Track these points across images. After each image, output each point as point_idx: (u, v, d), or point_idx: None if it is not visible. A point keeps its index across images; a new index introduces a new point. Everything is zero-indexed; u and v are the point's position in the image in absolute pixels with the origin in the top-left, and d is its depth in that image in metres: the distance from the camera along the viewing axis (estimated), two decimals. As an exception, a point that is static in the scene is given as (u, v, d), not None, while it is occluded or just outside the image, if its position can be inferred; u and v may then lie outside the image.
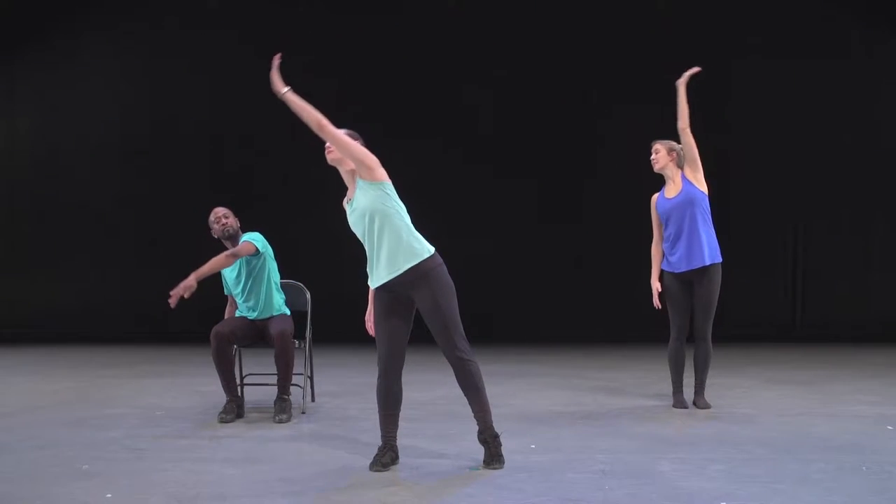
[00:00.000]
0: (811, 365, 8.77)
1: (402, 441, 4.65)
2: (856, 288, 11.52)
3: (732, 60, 11.40)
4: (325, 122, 4.35)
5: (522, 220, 11.61)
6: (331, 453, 4.91)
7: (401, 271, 4.40)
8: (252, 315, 6.06)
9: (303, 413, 6.09)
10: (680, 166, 6.08)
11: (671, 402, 6.26)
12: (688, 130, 6.00)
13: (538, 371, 8.38)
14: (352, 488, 4.18)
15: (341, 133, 4.44)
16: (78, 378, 8.06)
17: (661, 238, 6.18)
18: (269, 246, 6.08)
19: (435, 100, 11.43)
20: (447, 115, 11.46)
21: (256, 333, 6.05)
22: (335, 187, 4.64)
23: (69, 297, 11.83)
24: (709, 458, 4.70)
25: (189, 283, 5.52)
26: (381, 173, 4.44)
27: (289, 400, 5.91)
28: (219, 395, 6.08)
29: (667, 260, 6.13)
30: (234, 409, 5.88)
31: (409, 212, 4.53)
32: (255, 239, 5.97)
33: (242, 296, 6.06)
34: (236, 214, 6.13)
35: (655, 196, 6.22)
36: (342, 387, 7.33)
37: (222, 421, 5.77)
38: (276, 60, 4.40)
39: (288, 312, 6.15)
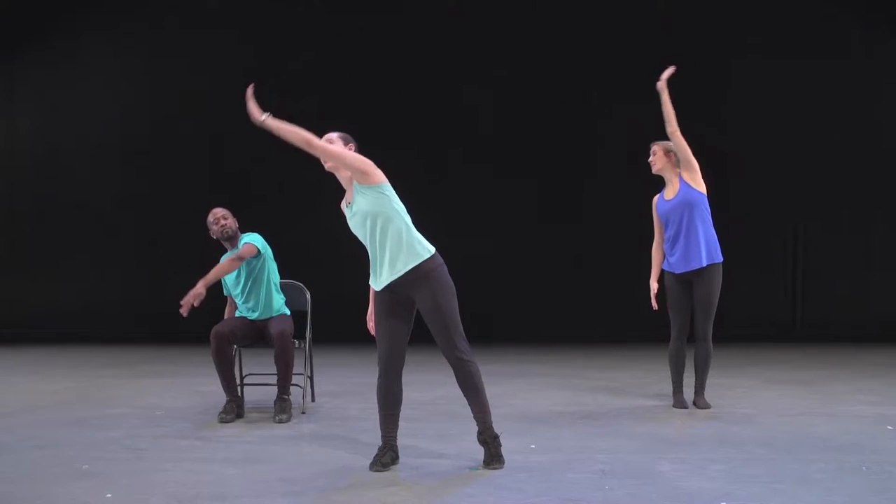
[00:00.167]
0: (811, 365, 8.78)
1: (402, 441, 4.65)
2: (855, 288, 11.53)
3: (732, 60, 11.42)
4: (312, 139, 4.32)
5: (522, 220, 11.61)
6: (331, 453, 4.91)
7: (402, 272, 4.40)
8: (252, 316, 6.06)
9: (303, 413, 6.09)
10: (678, 167, 6.08)
11: (671, 402, 6.26)
12: (677, 133, 5.94)
13: (538, 371, 8.38)
14: (352, 488, 4.18)
15: (331, 145, 4.43)
16: (78, 378, 8.06)
17: (662, 239, 6.18)
18: (268, 246, 6.08)
19: (435, 100, 11.43)
20: (447, 115, 11.46)
21: (256, 333, 6.05)
22: (334, 187, 4.64)
23: (69, 297, 11.83)
24: (709, 458, 4.70)
25: (198, 291, 5.54)
26: (378, 176, 4.42)
27: (289, 400, 5.91)
28: (219, 395, 6.08)
29: (667, 260, 6.14)
30: (234, 409, 5.88)
31: (409, 212, 4.53)
32: (254, 240, 5.97)
33: (242, 296, 6.06)
34: (235, 215, 6.13)
35: (656, 197, 6.23)
36: (342, 387, 7.33)
37: (222, 421, 5.77)
38: (250, 90, 4.36)
39: (288, 312, 6.15)
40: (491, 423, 4.54)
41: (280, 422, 5.76)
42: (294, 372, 5.93)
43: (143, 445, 5.11)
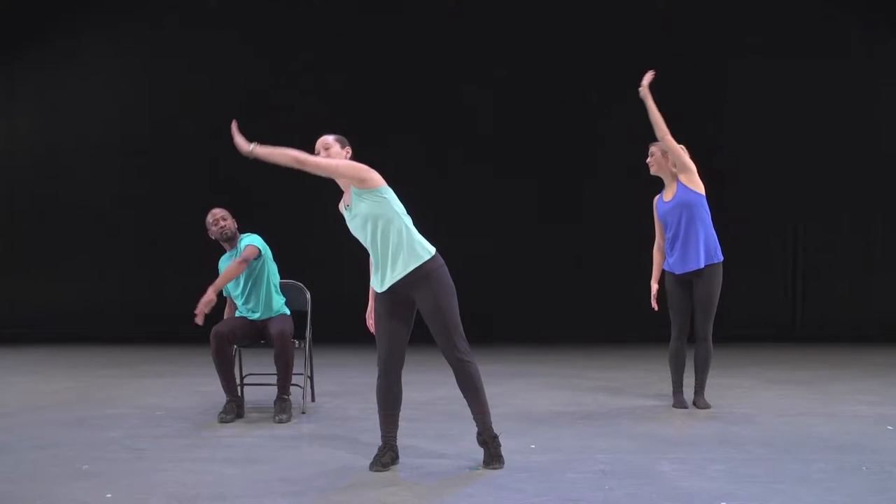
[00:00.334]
0: (811, 365, 8.77)
1: (402, 441, 4.65)
2: (855, 288, 11.53)
3: (731, 60, 11.42)
4: (301, 156, 4.29)
5: (522, 220, 11.61)
6: (331, 453, 4.91)
7: (403, 274, 4.40)
8: (252, 316, 6.06)
9: (303, 413, 6.09)
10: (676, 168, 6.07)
11: (671, 402, 6.26)
12: (668, 138, 5.90)
13: (538, 371, 8.38)
14: (352, 488, 4.18)
15: (323, 158, 4.40)
16: (78, 378, 8.06)
17: (663, 240, 6.18)
18: (267, 247, 6.09)
19: (435, 100, 11.43)
20: (447, 115, 11.46)
21: (256, 333, 6.05)
22: (333, 187, 4.63)
23: (69, 297, 11.83)
24: (709, 458, 4.70)
25: (209, 298, 5.53)
26: (375, 180, 4.40)
27: (289, 400, 5.91)
28: (219, 395, 6.08)
29: (667, 261, 6.14)
30: (234, 409, 5.88)
31: (409, 212, 4.53)
32: (254, 241, 5.98)
33: (242, 297, 6.06)
34: (235, 215, 6.13)
35: (656, 198, 6.23)
36: (342, 387, 7.33)
37: (222, 421, 5.77)
38: (234, 126, 4.35)
39: (288, 312, 6.15)
40: (490, 423, 4.54)
41: (280, 422, 5.76)
42: (294, 372, 5.93)
43: (143, 445, 5.11)
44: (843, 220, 11.56)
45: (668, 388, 6.39)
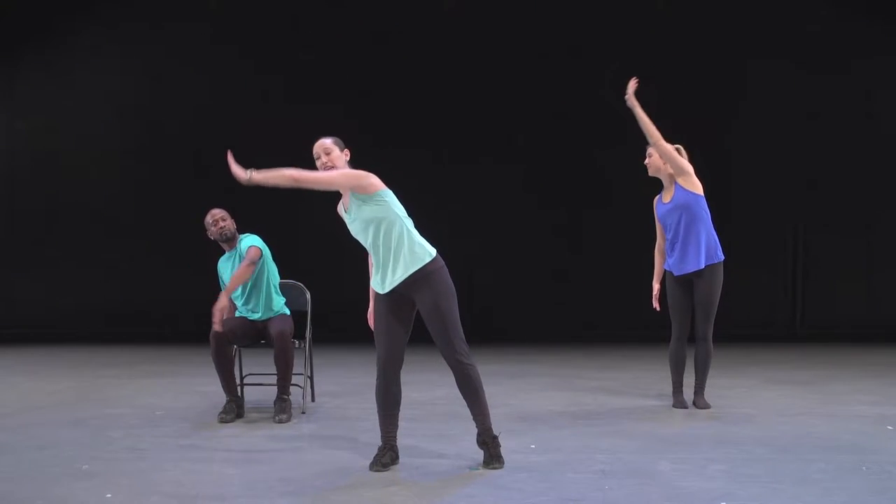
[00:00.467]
0: (811, 365, 8.77)
1: (402, 441, 4.65)
2: (856, 288, 11.52)
3: (732, 60, 11.41)
4: (297, 175, 4.29)
5: (522, 220, 11.60)
6: (331, 453, 4.91)
7: (405, 277, 4.40)
8: (253, 317, 6.06)
9: (303, 413, 6.09)
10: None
11: (671, 402, 6.26)
12: (661, 143, 5.89)
13: (538, 371, 8.38)
14: (352, 488, 4.18)
15: (319, 173, 4.38)
16: (78, 378, 8.06)
17: (664, 240, 6.17)
18: (267, 248, 6.08)
19: (435, 100, 11.42)
20: (447, 115, 11.45)
21: (256, 334, 6.05)
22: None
23: (69, 297, 11.83)
24: (709, 458, 4.69)
25: (222, 304, 5.55)
26: (374, 185, 4.38)
27: (289, 400, 5.91)
28: (219, 395, 6.08)
29: (667, 261, 6.14)
30: (234, 409, 5.88)
31: (409, 212, 4.52)
32: (255, 242, 5.99)
33: (242, 298, 6.06)
34: (234, 215, 6.13)
35: (656, 199, 6.23)
36: (342, 387, 7.33)
37: (222, 421, 5.77)
38: (229, 156, 4.35)
39: (288, 312, 6.15)
40: (490, 424, 4.54)
41: (280, 422, 5.76)
42: (294, 372, 5.93)
43: (143, 445, 5.11)
44: (844, 220, 11.55)
45: (668, 388, 6.39)
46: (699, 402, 6.17)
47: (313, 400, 6.46)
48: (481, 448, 4.54)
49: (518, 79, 11.56)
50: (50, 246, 11.95)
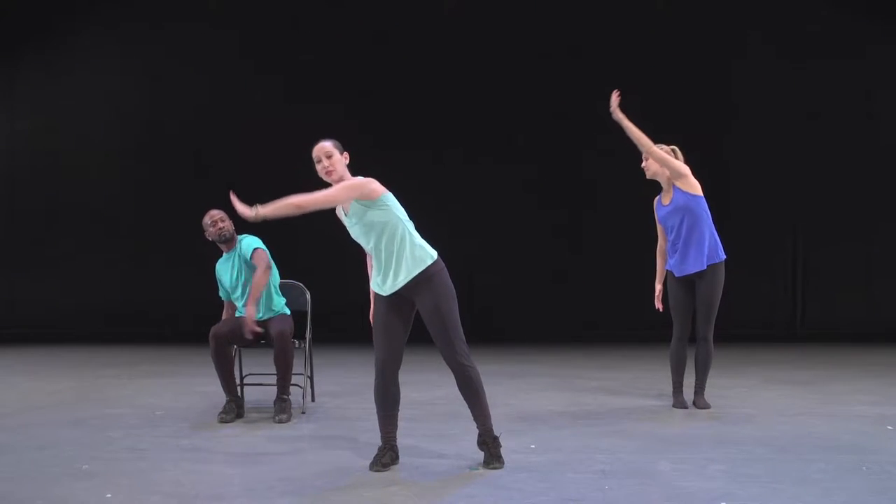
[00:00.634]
0: (811, 365, 8.78)
1: (401, 441, 4.65)
2: (856, 288, 11.52)
3: (732, 60, 11.42)
4: (301, 201, 4.24)
5: (523, 220, 11.60)
6: (331, 453, 4.91)
7: (406, 281, 4.40)
8: (254, 317, 6.05)
9: (303, 413, 6.09)
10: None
11: (671, 402, 6.26)
12: (653, 149, 5.87)
13: (538, 371, 8.38)
14: (352, 488, 4.18)
15: (321, 194, 4.31)
16: (78, 378, 8.06)
17: (665, 241, 6.17)
18: (266, 249, 6.08)
19: (435, 100, 11.42)
20: (447, 116, 11.46)
21: (256, 334, 6.04)
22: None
23: (69, 297, 11.83)
24: (709, 458, 4.70)
25: (251, 314, 5.68)
26: (376, 190, 4.37)
27: (288, 400, 5.91)
28: (219, 395, 6.08)
29: (669, 261, 6.14)
30: (234, 409, 5.89)
31: (409, 212, 4.52)
32: (256, 243, 5.99)
33: (243, 300, 6.04)
34: (233, 216, 6.11)
35: (656, 200, 6.22)
36: (342, 387, 7.33)
37: (222, 421, 5.77)
38: (233, 196, 4.34)
39: (288, 312, 6.15)
40: (491, 426, 4.54)
41: (280, 422, 5.76)
42: (294, 372, 5.93)
43: (143, 445, 5.11)
44: (844, 219, 11.54)
45: (668, 388, 6.39)
46: (699, 402, 6.17)
47: (313, 400, 6.46)
48: (481, 449, 4.54)
49: (518, 79, 11.56)
50: (50, 246, 11.96)
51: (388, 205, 4.39)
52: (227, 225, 6.05)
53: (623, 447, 4.97)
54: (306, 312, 6.31)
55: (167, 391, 7.20)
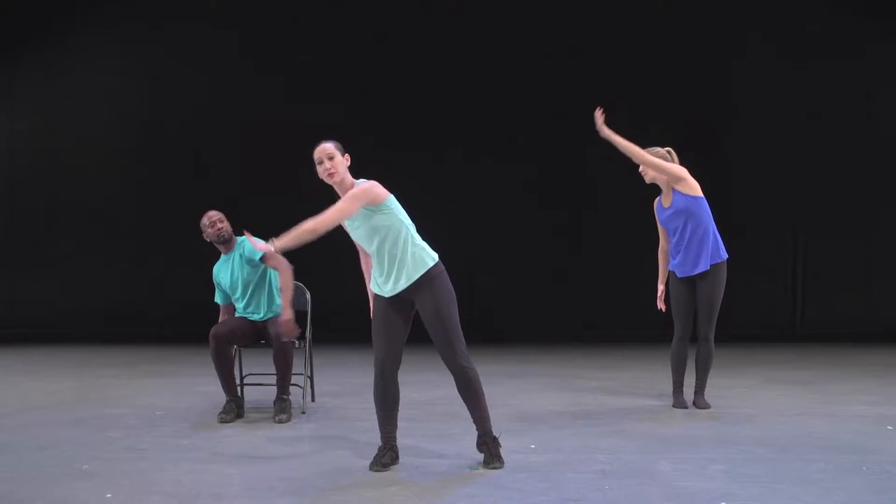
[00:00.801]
0: (811, 365, 8.77)
1: (401, 441, 4.65)
2: (856, 288, 11.51)
3: (732, 60, 11.42)
4: (314, 225, 4.21)
5: (523, 221, 11.60)
6: (331, 453, 4.91)
7: (408, 284, 4.41)
8: (253, 317, 6.06)
9: (303, 413, 6.10)
10: None
11: (671, 402, 6.26)
12: (646, 158, 5.86)
13: (538, 371, 8.38)
14: (352, 488, 4.18)
15: (331, 214, 4.26)
16: (78, 378, 8.06)
17: (667, 242, 6.17)
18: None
19: (435, 100, 11.42)
20: (447, 116, 11.45)
21: (256, 334, 6.05)
22: (331, 191, 4.61)
23: (69, 297, 11.82)
24: (709, 458, 4.70)
25: (288, 316, 5.58)
26: (380, 195, 4.36)
27: (288, 400, 5.91)
28: (219, 395, 6.08)
29: (671, 262, 6.14)
30: (234, 409, 5.89)
31: (409, 213, 4.51)
32: (257, 244, 5.98)
33: (243, 301, 6.05)
34: (233, 216, 6.12)
35: (656, 201, 6.22)
36: (342, 387, 7.33)
37: (222, 421, 5.77)
38: (248, 235, 4.35)
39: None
40: (490, 427, 4.54)
41: (280, 422, 5.76)
42: (294, 372, 5.93)
43: (143, 445, 5.11)
44: (844, 220, 11.54)
45: (668, 388, 6.39)
46: (699, 402, 6.17)
47: (313, 400, 6.46)
48: (481, 451, 4.55)
49: (518, 79, 11.55)
50: (50, 246, 11.95)
51: (391, 208, 4.39)
52: (226, 226, 6.05)
53: (623, 447, 4.97)
54: (306, 312, 6.31)
55: (167, 391, 7.20)
